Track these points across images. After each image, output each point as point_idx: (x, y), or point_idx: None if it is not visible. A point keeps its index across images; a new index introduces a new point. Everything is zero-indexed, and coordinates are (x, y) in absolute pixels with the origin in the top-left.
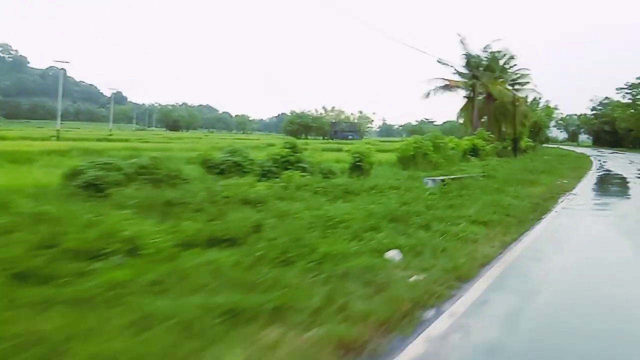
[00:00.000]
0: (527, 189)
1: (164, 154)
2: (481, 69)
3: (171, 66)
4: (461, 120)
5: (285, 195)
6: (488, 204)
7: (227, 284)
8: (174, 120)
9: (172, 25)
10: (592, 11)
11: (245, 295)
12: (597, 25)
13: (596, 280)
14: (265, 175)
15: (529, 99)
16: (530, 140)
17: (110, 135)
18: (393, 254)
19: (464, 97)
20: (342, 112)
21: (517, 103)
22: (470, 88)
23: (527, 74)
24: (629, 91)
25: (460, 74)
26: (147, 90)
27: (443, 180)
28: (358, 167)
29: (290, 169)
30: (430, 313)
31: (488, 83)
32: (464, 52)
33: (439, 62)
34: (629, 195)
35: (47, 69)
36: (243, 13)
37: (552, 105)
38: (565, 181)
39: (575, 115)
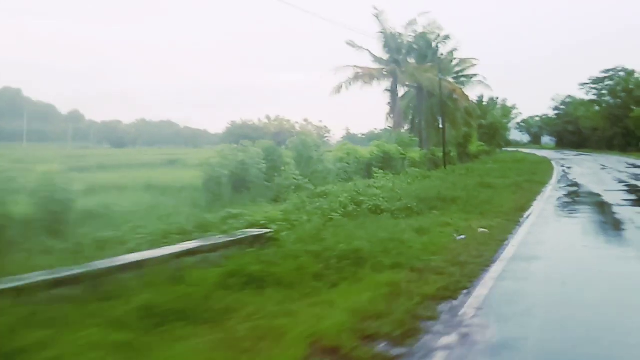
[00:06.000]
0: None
1: None
2: (404, 51)
3: (131, 84)
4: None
5: None
6: None
7: None
8: (118, 137)
9: (132, 42)
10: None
11: None
12: (555, 18)
13: None
14: None
15: (485, 98)
16: (483, 144)
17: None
18: None
19: (386, 90)
20: (288, 121)
21: (455, 96)
22: (391, 77)
23: (474, 64)
24: (593, 86)
25: (377, 59)
26: (108, 108)
27: None
28: None
29: None
30: None
31: (414, 71)
32: (380, 30)
33: (348, 44)
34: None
35: (1, 89)
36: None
37: (509, 104)
38: (483, 230)
39: (538, 116)
